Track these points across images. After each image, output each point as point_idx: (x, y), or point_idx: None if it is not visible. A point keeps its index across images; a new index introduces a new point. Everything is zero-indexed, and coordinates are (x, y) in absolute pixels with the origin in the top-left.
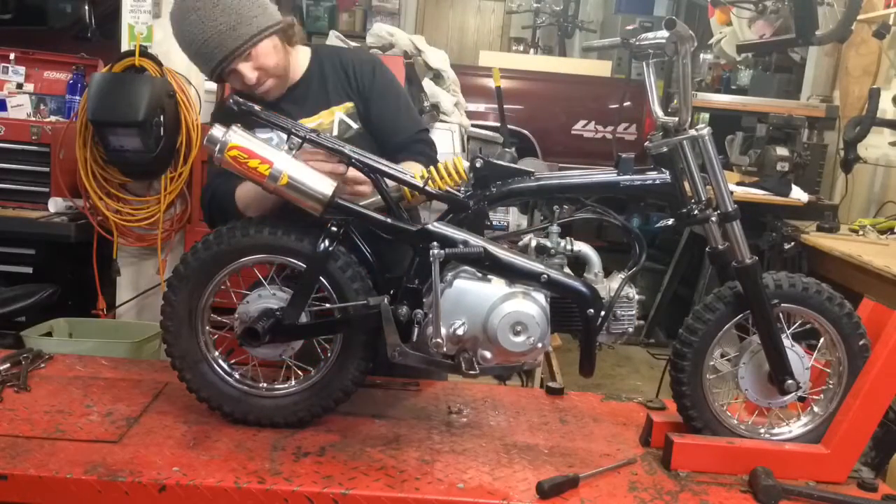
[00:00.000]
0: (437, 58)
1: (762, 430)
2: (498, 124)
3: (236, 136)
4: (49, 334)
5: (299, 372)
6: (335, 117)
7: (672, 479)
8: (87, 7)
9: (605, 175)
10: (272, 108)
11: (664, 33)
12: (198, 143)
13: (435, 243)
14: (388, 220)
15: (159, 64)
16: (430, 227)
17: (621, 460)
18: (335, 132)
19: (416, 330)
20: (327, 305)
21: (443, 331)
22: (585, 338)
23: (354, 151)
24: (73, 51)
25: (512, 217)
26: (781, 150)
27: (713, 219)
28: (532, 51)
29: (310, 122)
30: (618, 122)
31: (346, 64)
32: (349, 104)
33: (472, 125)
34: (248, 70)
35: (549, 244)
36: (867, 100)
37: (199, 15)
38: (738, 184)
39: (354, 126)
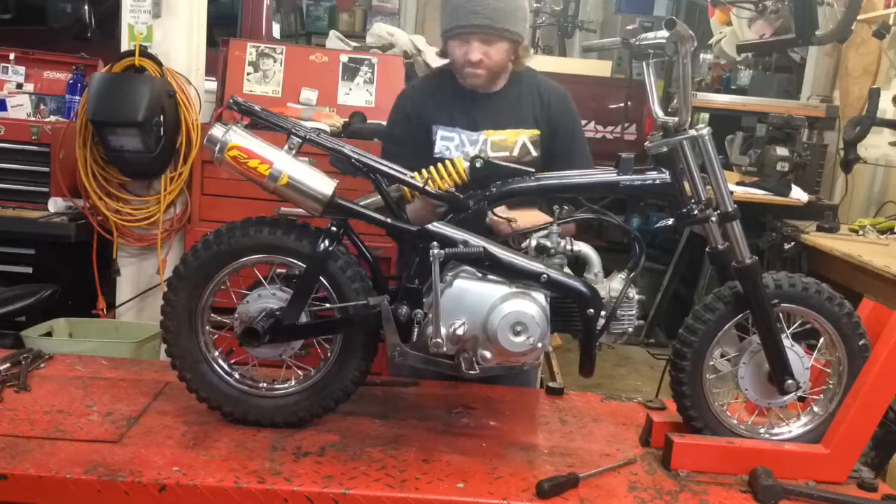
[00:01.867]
0: (437, 58)
1: (762, 430)
2: (580, 122)
3: (236, 136)
4: (49, 334)
5: (299, 372)
6: (519, 139)
7: (672, 479)
8: (87, 7)
9: (605, 175)
10: (470, 106)
11: (664, 33)
12: (198, 143)
13: (435, 243)
14: (389, 220)
15: (159, 64)
16: (430, 227)
17: (621, 460)
18: (515, 152)
19: (416, 330)
20: (327, 305)
21: (443, 331)
22: (585, 338)
23: (354, 151)
24: (73, 51)
25: None
26: (781, 150)
27: (713, 219)
28: (532, 51)
29: (495, 136)
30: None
31: (542, 90)
32: (536, 132)
33: None
34: (478, 49)
35: (549, 244)
36: (867, 100)
37: None
38: (738, 184)
39: (534, 153)
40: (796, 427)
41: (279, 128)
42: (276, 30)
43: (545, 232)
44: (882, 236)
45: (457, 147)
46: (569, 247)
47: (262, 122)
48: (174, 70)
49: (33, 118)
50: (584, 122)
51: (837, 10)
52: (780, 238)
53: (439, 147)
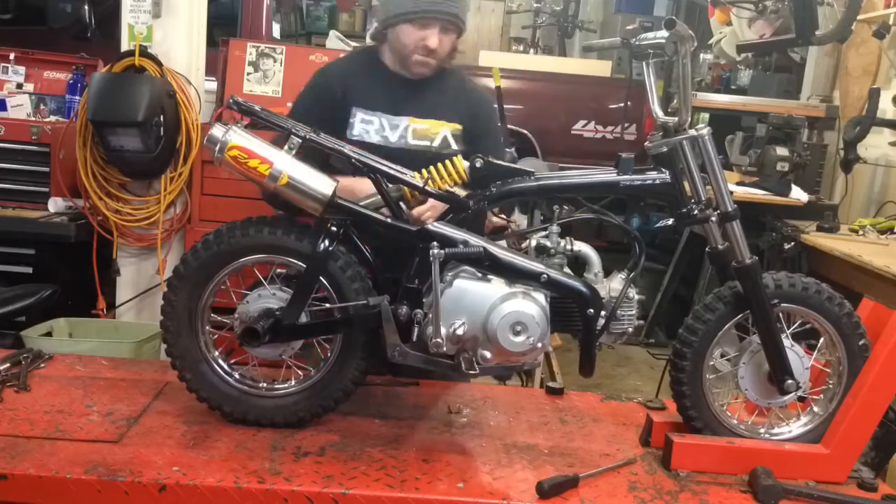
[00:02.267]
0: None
1: (762, 430)
2: (498, 124)
3: (236, 136)
4: (49, 334)
5: (299, 372)
6: (441, 131)
7: (672, 479)
8: (87, 7)
9: (605, 175)
10: (394, 90)
11: (664, 33)
12: (198, 143)
13: (435, 243)
14: (389, 220)
15: (159, 64)
16: (430, 227)
17: (621, 460)
18: (436, 143)
19: (416, 330)
20: (327, 305)
21: (443, 331)
22: (585, 338)
23: (354, 151)
24: (73, 51)
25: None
26: (781, 150)
27: (713, 219)
28: (532, 51)
29: (418, 124)
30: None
31: (468, 87)
32: (459, 126)
33: None
34: (436, 37)
35: (549, 244)
36: (867, 100)
37: None
38: (738, 184)
39: (454, 147)
40: (796, 427)
41: (279, 128)
42: (276, 30)
43: (545, 232)
44: (882, 236)
45: (377, 131)
46: (569, 247)
47: (262, 122)
48: (174, 70)
49: (33, 118)
50: (583, 122)
51: (837, 10)
52: (780, 238)
53: (358, 129)
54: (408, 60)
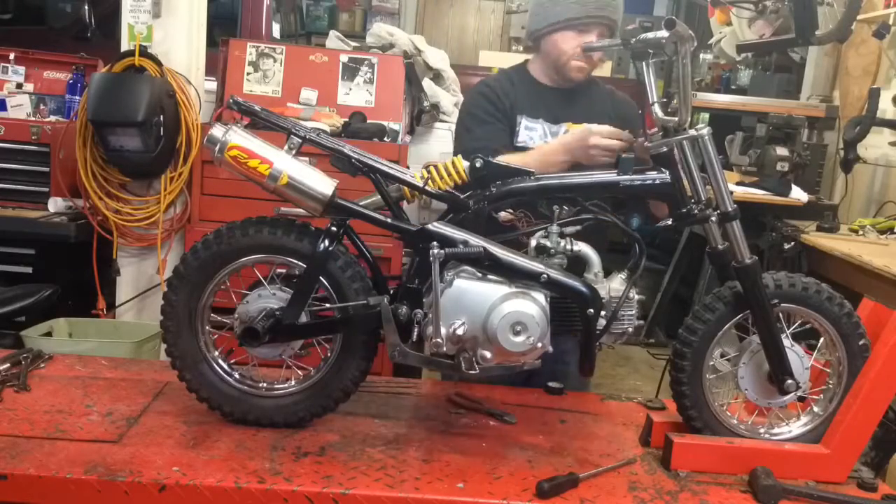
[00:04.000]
0: (437, 58)
1: (762, 430)
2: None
3: (236, 136)
4: (49, 334)
5: (299, 372)
6: None
7: (672, 479)
8: (86, 7)
9: (605, 175)
10: (550, 101)
11: (664, 33)
12: (198, 142)
13: (435, 243)
14: (389, 220)
15: (159, 64)
16: (430, 227)
17: (621, 460)
18: None
19: (416, 330)
20: (327, 305)
21: (443, 331)
22: (585, 338)
23: (354, 151)
24: (73, 51)
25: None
26: (781, 150)
27: (713, 219)
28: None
29: (576, 128)
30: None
31: (614, 93)
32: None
33: None
34: (597, 40)
35: (549, 244)
36: (867, 100)
37: None
38: (738, 184)
39: None
40: (796, 427)
41: (279, 128)
42: (276, 30)
43: (545, 232)
44: (882, 236)
45: (540, 137)
46: (569, 247)
47: (262, 122)
48: (174, 70)
49: (33, 118)
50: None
51: (837, 10)
52: (780, 238)
53: (523, 136)
54: (565, 67)
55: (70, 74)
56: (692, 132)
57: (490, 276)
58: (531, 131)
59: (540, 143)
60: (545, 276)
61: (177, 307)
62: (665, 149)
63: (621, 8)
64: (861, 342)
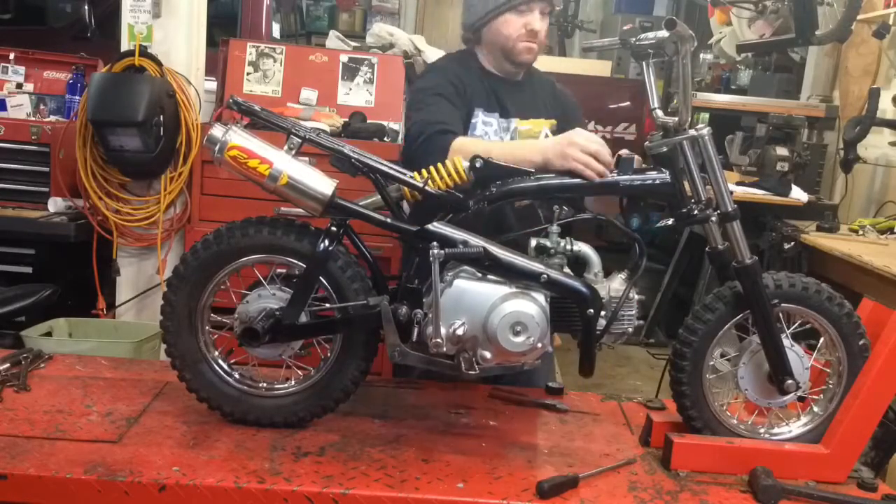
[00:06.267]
0: (437, 58)
1: (762, 430)
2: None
3: (236, 136)
4: (49, 334)
5: (299, 372)
6: (543, 129)
7: (672, 478)
8: (86, 7)
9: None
10: (499, 93)
11: (664, 33)
12: (197, 142)
13: (435, 243)
14: (389, 220)
15: (159, 64)
16: (430, 227)
17: (621, 460)
18: None
19: (416, 330)
20: (327, 305)
21: (443, 331)
22: (585, 338)
23: (354, 151)
24: (73, 51)
25: None
26: (781, 150)
27: (713, 219)
28: None
29: (522, 125)
30: (617, 122)
31: (553, 85)
32: (554, 121)
33: None
34: (538, 19)
35: (549, 244)
36: (867, 100)
37: None
38: (738, 184)
39: None
40: (796, 427)
41: (279, 128)
42: (276, 30)
43: (545, 232)
44: (882, 236)
45: (495, 132)
46: (569, 247)
47: (262, 122)
48: (174, 70)
49: (33, 118)
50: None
51: (837, 10)
52: (780, 238)
53: (479, 130)
54: (513, 51)
55: (70, 74)
56: (692, 132)
57: (490, 277)
58: (487, 126)
59: (495, 139)
60: (545, 276)
61: (177, 307)
62: (665, 149)
63: None
64: (861, 342)
